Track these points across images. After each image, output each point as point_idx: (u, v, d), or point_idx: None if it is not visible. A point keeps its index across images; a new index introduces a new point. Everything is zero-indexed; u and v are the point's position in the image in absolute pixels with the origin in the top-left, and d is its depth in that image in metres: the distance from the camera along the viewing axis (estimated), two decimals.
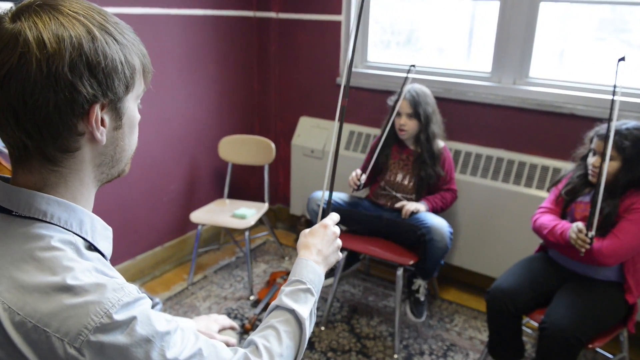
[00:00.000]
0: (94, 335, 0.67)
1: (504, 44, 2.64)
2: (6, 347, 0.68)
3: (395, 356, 2.41)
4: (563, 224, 1.97)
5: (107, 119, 0.76)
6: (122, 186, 2.76)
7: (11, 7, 0.71)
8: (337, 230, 1.16)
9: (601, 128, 1.94)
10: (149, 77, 0.83)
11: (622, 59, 1.87)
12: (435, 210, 2.49)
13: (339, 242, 1.16)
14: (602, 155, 1.84)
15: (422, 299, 2.49)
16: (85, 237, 0.77)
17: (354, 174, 2.49)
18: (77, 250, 0.73)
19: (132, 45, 0.77)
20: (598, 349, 2.17)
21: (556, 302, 1.92)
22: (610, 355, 2.21)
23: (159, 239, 3.10)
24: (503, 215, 2.64)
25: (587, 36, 2.61)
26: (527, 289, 2.01)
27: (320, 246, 1.11)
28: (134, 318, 0.70)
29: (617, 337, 2.05)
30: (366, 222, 2.58)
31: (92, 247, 0.79)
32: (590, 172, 1.98)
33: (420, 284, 2.49)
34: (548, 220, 2.05)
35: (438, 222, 2.34)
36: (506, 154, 2.67)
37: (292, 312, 0.97)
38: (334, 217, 1.18)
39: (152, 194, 2.97)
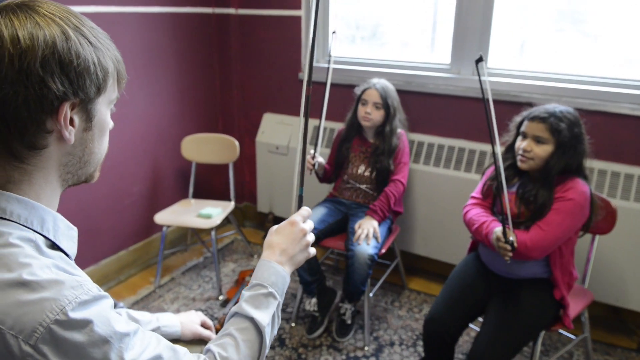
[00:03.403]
0: (49, 333, 0.65)
1: (461, 35, 2.68)
2: None
3: (366, 348, 2.43)
4: (489, 224, 1.89)
5: (76, 119, 0.76)
6: (83, 190, 2.69)
7: None
8: (308, 226, 1.09)
9: (533, 110, 1.88)
10: (123, 83, 0.84)
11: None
12: (385, 216, 2.48)
13: (309, 239, 1.09)
14: (536, 138, 1.81)
15: (348, 322, 2.51)
16: (47, 235, 0.76)
17: (308, 156, 2.49)
18: (37, 248, 0.73)
19: (107, 49, 0.78)
20: (560, 331, 2.23)
21: (482, 328, 1.86)
22: (572, 336, 2.28)
23: (123, 243, 3.03)
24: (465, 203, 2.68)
25: (547, 28, 2.66)
26: (460, 313, 1.96)
27: (285, 245, 1.05)
28: (91, 316, 0.69)
29: (579, 318, 2.10)
30: (336, 227, 2.58)
31: (54, 246, 0.78)
32: (519, 157, 1.87)
33: (346, 307, 2.50)
34: (477, 215, 1.97)
35: (361, 249, 2.32)
36: (467, 144, 2.71)
37: (252, 320, 0.94)
38: (304, 212, 1.11)
39: (114, 197, 2.90)
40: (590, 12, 2.56)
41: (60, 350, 0.66)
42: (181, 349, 0.83)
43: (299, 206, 1.15)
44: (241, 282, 2.88)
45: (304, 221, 1.10)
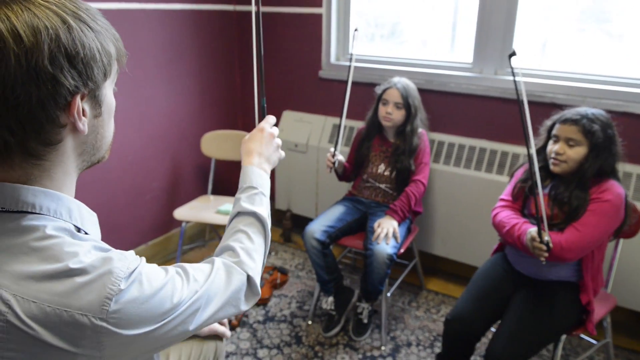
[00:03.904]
0: (115, 303, 0.70)
1: (484, 34, 2.64)
2: (24, 344, 0.67)
3: (383, 348, 2.42)
4: (521, 225, 1.85)
5: (87, 108, 0.76)
6: (104, 184, 2.72)
7: None
8: (274, 131, 1.23)
9: (564, 113, 1.85)
10: (124, 60, 0.83)
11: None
12: (405, 216, 2.46)
13: (278, 141, 1.23)
14: (569, 140, 1.78)
15: (365, 321, 2.50)
16: (76, 223, 0.78)
17: (328, 154, 2.48)
18: (72, 235, 0.75)
19: (106, 31, 0.76)
20: (582, 335, 2.19)
21: (501, 324, 1.83)
22: (594, 341, 2.24)
23: (143, 237, 3.07)
24: (486, 205, 2.65)
25: (569, 27, 2.62)
26: (486, 313, 1.93)
27: (260, 149, 1.18)
28: (141, 276, 0.75)
29: (601, 323, 2.07)
30: (355, 225, 2.57)
31: (82, 232, 0.80)
32: (552, 160, 1.84)
33: (364, 307, 2.50)
34: (507, 217, 1.92)
35: (380, 249, 2.30)
36: (488, 144, 2.68)
37: (254, 214, 1.07)
38: (270, 119, 1.25)
39: (134, 192, 2.93)
40: (615, 11, 2.51)
41: (128, 314, 0.71)
42: (197, 264, 0.91)
43: (263, 115, 1.29)
44: None
45: (270, 127, 1.24)
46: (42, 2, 0.69)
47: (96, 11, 0.77)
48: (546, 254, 1.71)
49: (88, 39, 0.72)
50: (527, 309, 1.83)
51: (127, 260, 0.75)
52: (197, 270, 0.88)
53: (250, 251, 1.00)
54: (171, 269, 0.83)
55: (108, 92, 0.81)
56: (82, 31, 0.71)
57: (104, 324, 0.69)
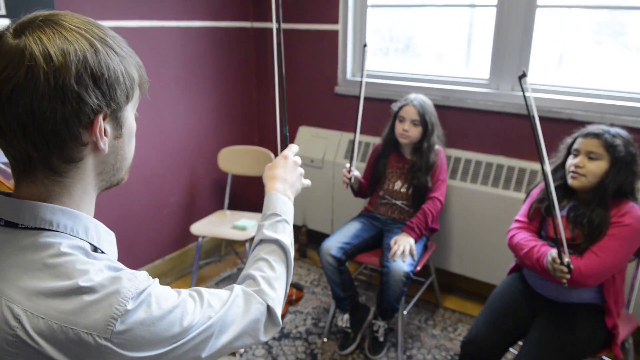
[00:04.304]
0: (121, 324, 0.70)
1: (501, 50, 2.63)
2: (32, 358, 0.69)
3: None
4: (539, 247, 1.80)
5: (109, 128, 0.78)
6: (122, 199, 2.75)
7: (10, 24, 0.73)
8: (298, 159, 1.23)
9: (586, 128, 1.82)
10: (146, 86, 0.86)
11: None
12: (422, 233, 2.44)
13: (301, 170, 1.23)
14: (589, 153, 1.74)
15: (381, 339, 2.47)
16: (92, 242, 0.80)
17: (344, 169, 2.48)
18: (87, 254, 0.76)
19: (130, 57, 0.80)
20: (604, 357, 2.14)
21: (523, 347, 1.77)
22: None
23: (159, 252, 3.09)
24: (503, 222, 2.62)
25: (586, 40, 2.60)
26: (502, 336, 1.88)
27: (284, 175, 1.17)
28: (150, 297, 0.74)
29: (623, 344, 2.02)
30: (371, 242, 2.57)
31: (98, 251, 0.81)
32: (571, 174, 1.80)
33: (380, 325, 2.48)
34: (524, 239, 1.87)
35: (397, 266, 2.28)
36: (506, 161, 2.65)
37: (276, 242, 1.05)
38: (293, 148, 1.25)
39: (152, 207, 2.96)
40: (631, 23, 2.48)
41: (134, 336, 0.71)
42: (216, 290, 0.90)
43: (285, 144, 1.27)
44: None
45: (294, 156, 1.24)
46: (72, 27, 0.73)
47: (121, 39, 0.80)
48: (568, 276, 1.66)
49: (113, 62, 0.75)
50: (550, 331, 1.79)
51: (136, 281, 0.75)
52: (214, 295, 0.86)
53: (271, 280, 0.99)
54: (185, 292, 0.83)
55: (130, 115, 0.83)
56: (107, 55, 0.75)
57: (108, 344, 0.69)
